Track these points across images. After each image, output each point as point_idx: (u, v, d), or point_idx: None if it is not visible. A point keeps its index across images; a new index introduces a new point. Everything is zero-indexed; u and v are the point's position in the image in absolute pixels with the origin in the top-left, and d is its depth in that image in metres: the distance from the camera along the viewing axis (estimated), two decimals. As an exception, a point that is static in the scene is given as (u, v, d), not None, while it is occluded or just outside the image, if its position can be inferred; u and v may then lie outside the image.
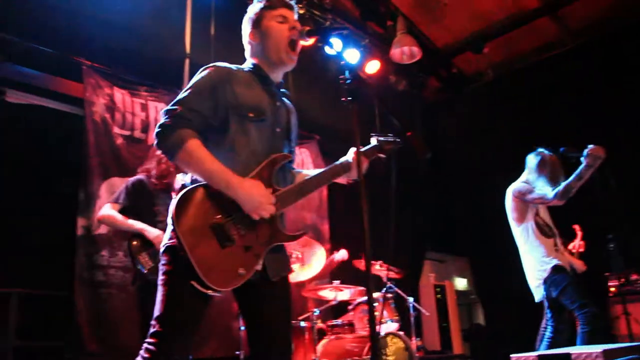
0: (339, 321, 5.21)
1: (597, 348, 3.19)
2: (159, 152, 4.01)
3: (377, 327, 4.79)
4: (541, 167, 4.66)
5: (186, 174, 2.27)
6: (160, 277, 2.17)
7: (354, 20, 7.22)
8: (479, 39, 7.63)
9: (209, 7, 6.16)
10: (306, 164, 7.05)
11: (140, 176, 4.22)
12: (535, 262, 4.56)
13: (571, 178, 4.33)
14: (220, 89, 2.26)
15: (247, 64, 2.48)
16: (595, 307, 4.24)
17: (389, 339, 4.76)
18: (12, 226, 4.69)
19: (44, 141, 4.98)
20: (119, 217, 4.03)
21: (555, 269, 4.42)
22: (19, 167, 4.80)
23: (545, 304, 4.56)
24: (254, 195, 2.14)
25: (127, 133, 5.39)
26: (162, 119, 2.18)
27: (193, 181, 2.22)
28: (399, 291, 5.40)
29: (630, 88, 6.94)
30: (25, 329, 4.61)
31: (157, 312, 2.12)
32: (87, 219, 4.98)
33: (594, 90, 7.20)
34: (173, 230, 2.08)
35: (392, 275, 5.39)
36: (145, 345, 2.10)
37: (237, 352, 4.72)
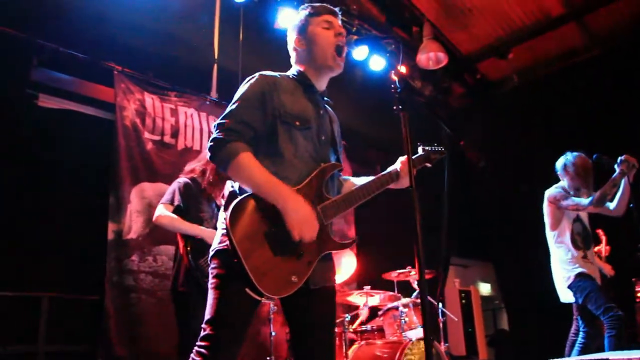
0: (368, 326, 5.20)
1: (636, 354, 3.17)
2: (203, 162, 4.08)
3: (406, 332, 4.80)
4: (568, 169, 4.73)
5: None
6: (212, 280, 2.19)
7: (380, 26, 7.21)
8: (504, 44, 7.60)
9: (238, 12, 6.18)
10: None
11: (186, 178, 4.12)
12: (561, 268, 4.65)
13: (606, 185, 4.38)
14: (268, 99, 2.28)
15: (292, 71, 2.50)
16: (620, 311, 4.26)
17: (420, 344, 4.73)
18: (44, 230, 4.73)
19: (75, 146, 5.01)
20: (178, 218, 3.91)
21: (579, 275, 4.48)
22: (51, 171, 4.84)
23: (575, 310, 4.66)
24: (299, 214, 2.13)
25: (157, 138, 5.41)
26: (214, 133, 2.21)
27: (242, 188, 2.23)
28: (428, 297, 5.36)
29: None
30: (56, 333, 4.63)
31: (208, 315, 2.14)
32: (117, 224, 5.00)
33: (618, 97, 7.15)
34: (226, 235, 2.09)
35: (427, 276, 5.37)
36: (196, 349, 2.12)
37: (268, 358, 4.71)
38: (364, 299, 5.12)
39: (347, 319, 4.73)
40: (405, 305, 4.95)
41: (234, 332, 2.14)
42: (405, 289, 5.53)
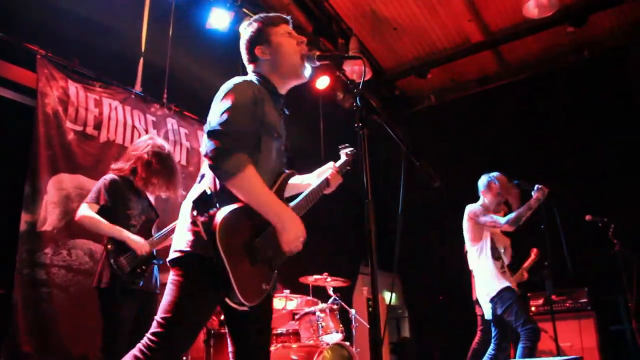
0: (283, 329, 5.27)
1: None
2: (133, 160, 3.98)
3: (322, 337, 4.91)
4: (493, 185, 5.05)
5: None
6: (175, 278, 2.18)
7: (306, 35, 7.34)
8: (424, 64, 7.95)
9: (169, 7, 6.10)
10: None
11: (113, 175, 4.01)
12: (485, 280, 4.86)
13: (522, 208, 4.72)
14: (259, 106, 2.27)
15: (254, 77, 2.45)
16: (536, 325, 4.56)
17: (333, 349, 4.86)
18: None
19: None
20: (103, 220, 3.79)
21: (504, 289, 4.71)
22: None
23: (493, 320, 4.85)
24: (296, 233, 2.22)
25: (79, 128, 5.21)
26: (216, 140, 2.12)
27: (218, 190, 2.21)
28: (343, 303, 5.53)
29: (557, 125, 7.48)
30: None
31: (166, 312, 2.13)
32: (31, 215, 4.75)
33: (526, 123, 7.68)
34: (212, 243, 2.06)
35: (339, 284, 5.51)
36: (146, 341, 2.12)
37: (184, 358, 4.67)
38: (283, 303, 5.18)
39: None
40: (322, 311, 5.06)
41: (189, 331, 2.18)
42: (320, 294, 5.65)
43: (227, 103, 2.19)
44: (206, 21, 6.24)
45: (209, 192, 2.19)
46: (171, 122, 6.11)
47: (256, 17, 2.55)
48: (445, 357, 6.30)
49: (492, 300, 4.76)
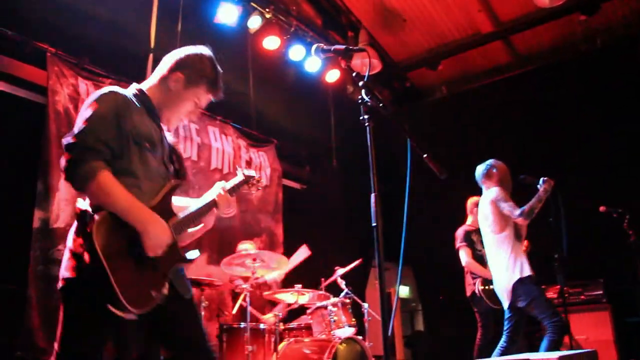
0: (294, 324, 5.27)
1: (554, 354, 3.41)
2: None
3: (334, 331, 4.91)
4: (492, 172, 4.95)
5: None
6: (62, 308, 2.26)
7: (316, 28, 7.32)
8: (435, 56, 7.90)
9: (177, 2, 6.10)
10: (264, 168, 7.08)
11: None
12: (508, 269, 4.69)
13: (533, 200, 4.65)
14: (122, 117, 2.27)
15: (133, 89, 2.47)
16: (562, 318, 4.47)
17: (347, 344, 4.85)
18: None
19: (2, 128, 4.77)
20: None
21: (529, 279, 4.59)
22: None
23: (508, 313, 4.73)
24: (159, 238, 2.23)
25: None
26: (70, 151, 2.14)
27: (95, 207, 2.19)
28: (355, 297, 5.53)
29: (571, 114, 7.40)
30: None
31: (59, 333, 2.23)
32: (44, 212, 4.80)
33: (537, 114, 7.60)
34: (90, 246, 2.06)
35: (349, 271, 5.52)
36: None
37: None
38: (295, 297, 5.18)
39: (278, 316, 4.78)
40: (334, 305, 5.05)
41: (84, 350, 2.22)
42: (332, 288, 5.65)
43: (88, 113, 2.21)
44: (214, 16, 6.23)
45: (86, 209, 2.18)
46: (181, 118, 6.12)
47: (206, 62, 2.56)
48: (459, 350, 6.25)
49: (514, 291, 4.61)
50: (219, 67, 2.58)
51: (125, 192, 2.17)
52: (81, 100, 5.20)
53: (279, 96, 7.27)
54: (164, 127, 2.54)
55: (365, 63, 7.36)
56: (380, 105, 2.39)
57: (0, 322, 4.56)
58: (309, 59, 6.99)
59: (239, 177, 2.83)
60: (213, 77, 2.51)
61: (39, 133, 4.90)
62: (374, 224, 2.23)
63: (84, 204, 2.22)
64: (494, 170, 4.96)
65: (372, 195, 2.26)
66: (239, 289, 5.07)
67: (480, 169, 5.07)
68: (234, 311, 4.91)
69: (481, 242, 5.25)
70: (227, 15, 6.27)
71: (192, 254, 2.40)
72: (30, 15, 4.96)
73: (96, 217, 2.10)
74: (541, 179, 4.76)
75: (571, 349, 5.07)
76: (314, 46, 2.59)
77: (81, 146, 2.12)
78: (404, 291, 9.24)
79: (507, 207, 4.71)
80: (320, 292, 5.34)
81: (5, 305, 4.61)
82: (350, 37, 7.51)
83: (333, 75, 7.48)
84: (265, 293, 5.32)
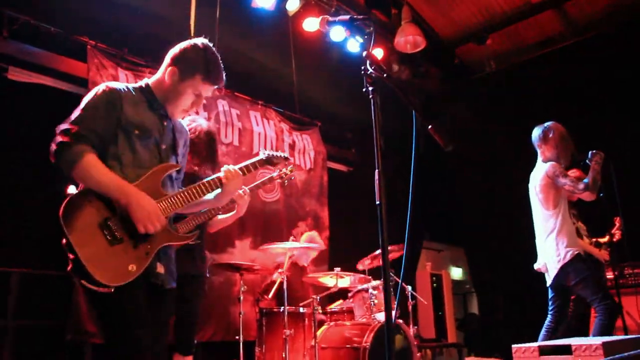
0: (337, 308, 5.25)
1: (597, 340, 3.24)
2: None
3: (375, 315, 4.85)
4: (549, 135, 4.62)
5: (77, 186, 2.34)
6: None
7: (358, 7, 7.19)
8: (483, 30, 7.62)
9: (216, -11, 6.11)
10: (308, 151, 7.06)
11: None
12: (558, 245, 4.45)
13: (591, 173, 4.40)
14: (112, 109, 2.37)
15: (141, 83, 2.59)
16: (614, 301, 4.23)
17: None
18: (13, 206, 4.68)
19: (46, 120, 4.92)
20: None
21: (578, 257, 4.36)
22: (20, 145, 4.77)
23: (551, 292, 4.52)
24: (145, 208, 2.27)
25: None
26: (59, 138, 2.26)
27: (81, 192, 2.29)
28: (398, 279, 5.42)
29: (629, 85, 6.98)
30: (26, 309, 4.61)
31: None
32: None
33: (594, 86, 7.23)
34: (62, 232, 2.15)
35: (393, 255, 5.37)
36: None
37: (237, 337, 4.72)
38: (334, 281, 5.15)
39: (316, 300, 4.76)
40: (375, 288, 4.99)
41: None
42: (374, 271, 5.58)
43: (82, 104, 2.39)
44: (252, 1, 6.20)
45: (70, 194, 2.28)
46: (222, 104, 6.17)
47: (199, 52, 2.56)
48: (512, 333, 6.08)
49: (563, 269, 4.35)
50: (213, 55, 2.58)
51: (108, 171, 2.26)
52: (121, 90, 5.31)
53: (322, 78, 7.20)
54: (176, 121, 2.66)
55: (411, 41, 7.22)
56: (385, 75, 2.30)
57: (51, 307, 4.77)
58: (350, 40, 6.87)
59: (260, 157, 2.85)
60: (206, 67, 2.52)
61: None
62: (377, 202, 2.14)
63: (74, 190, 2.33)
64: (551, 134, 4.60)
65: (376, 172, 2.18)
66: (279, 273, 5.09)
67: (536, 132, 4.72)
68: (270, 295, 4.92)
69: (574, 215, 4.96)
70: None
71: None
72: (70, 10, 5.09)
73: (68, 197, 2.20)
74: (589, 153, 4.49)
75: (626, 334, 4.83)
76: (320, 18, 2.55)
77: (72, 132, 2.25)
78: (456, 273, 9.10)
79: (568, 182, 4.40)
80: (361, 275, 5.29)
81: (55, 291, 4.80)
82: (394, 14, 7.33)
83: (377, 54, 7.34)
84: (310, 275, 5.33)
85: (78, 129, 2.26)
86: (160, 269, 2.35)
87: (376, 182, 2.18)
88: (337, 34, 6.72)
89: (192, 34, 5.96)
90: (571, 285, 4.37)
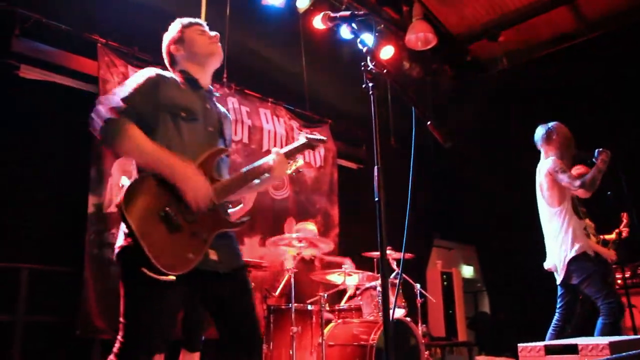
0: (345, 305, 5.24)
1: (604, 340, 3.21)
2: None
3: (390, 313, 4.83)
4: (552, 136, 4.59)
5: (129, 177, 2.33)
6: (122, 277, 2.28)
7: (369, 4, 7.17)
8: (495, 26, 7.57)
9: (226, -12, 6.13)
10: (318, 148, 7.05)
11: None
12: (563, 242, 4.42)
13: (592, 171, 4.35)
14: (156, 91, 2.39)
15: (178, 70, 2.64)
16: (620, 300, 4.18)
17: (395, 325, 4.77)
18: (23, 202, 4.73)
19: (57, 117, 4.99)
20: None
21: (583, 255, 4.33)
22: (31, 143, 4.82)
23: (560, 290, 4.49)
24: (197, 183, 2.26)
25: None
26: (103, 113, 2.24)
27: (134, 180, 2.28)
28: (407, 277, 5.42)
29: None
30: (35, 304, 4.65)
31: (122, 310, 2.24)
32: (98, 197, 5.01)
33: (607, 83, 7.15)
34: (124, 221, 2.13)
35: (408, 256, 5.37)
36: (118, 338, 2.22)
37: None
38: (342, 278, 5.14)
39: (324, 297, 4.76)
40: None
41: (145, 325, 2.22)
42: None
43: (126, 83, 2.40)
44: (262, -3, 6.21)
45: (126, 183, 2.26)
46: (232, 101, 6.19)
47: (174, 25, 2.74)
48: (523, 332, 6.02)
49: (568, 267, 4.33)
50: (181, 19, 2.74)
51: (154, 144, 2.26)
52: (131, 88, 5.34)
53: (333, 75, 7.19)
54: (218, 105, 2.70)
55: (422, 38, 7.20)
56: (385, 72, 2.29)
57: (59, 303, 4.81)
58: (361, 37, 6.84)
59: (300, 141, 2.81)
60: (180, 23, 2.70)
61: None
62: (376, 199, 2.13)
63: (127, 181, 2.31)
64: (554, 135, 4.58)
65: (375, 169, 2.17)
66: (286, 270, 5.10)
67: (540, 131, 4.71)
68: (277, 292, 4.93)
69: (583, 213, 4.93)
70: (273, -4, 6.23)
71: (237, 217, 2.43)
72: (81, 9, 5.13)
73: (128, 184, 2.19)
74: (596, 151, 4.44)
75: (635, 334, 4.78)
76: (321, 15, 2.55)
77: (115, 109, 2.24)
78: (467, 271, 9.05)
79: (565, 178, 4.38)
80: (369, 273, 5.28)
81: (64, 287, 4.85)
82: (405, 11, 7.31)
83: (387, 52, 7.31)
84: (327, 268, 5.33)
85: (125, 105, 2.26)
86: (213, 255, 2.32)
87: (375, 178, 2.17)
88: (348, 31, 6.70)
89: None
90: (577, 284, 4.33)
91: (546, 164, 4.55)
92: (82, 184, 4.98)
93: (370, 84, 2.28)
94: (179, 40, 2.64)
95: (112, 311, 4.80)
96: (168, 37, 2.71)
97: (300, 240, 4.88)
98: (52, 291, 4.79)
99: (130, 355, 2.18)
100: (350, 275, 5.14)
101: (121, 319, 2.21)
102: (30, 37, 4.94)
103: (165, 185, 2.23)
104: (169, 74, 2.54)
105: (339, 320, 4.97)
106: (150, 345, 2.21)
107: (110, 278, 4.92)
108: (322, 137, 2.89)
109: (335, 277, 5.26)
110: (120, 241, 2.27)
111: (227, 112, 2.76)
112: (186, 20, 2.72)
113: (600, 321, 4.15)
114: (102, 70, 5.20)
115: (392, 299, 4.95)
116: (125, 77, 5.34)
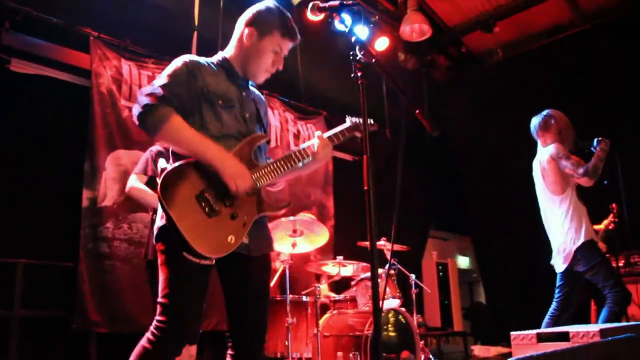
0: (341, 296, 5.26)
1: (595, 327, 3.23)
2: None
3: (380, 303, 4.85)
4: (550, 123, 4.56)
5: (167, 159, 2.33)
6: (159, 257, 2.27)
7: (365, -6, 7.15)
8: (490, 18, 7.56)
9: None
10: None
11: (159, 147, 4.13)
12: (569, 230, 4.38)
13: (594, 159, 4.31)
14: (194, 78, 2.38)
15: (217, 57, 2.59)
16: (625, 288, 4.18)
17: (390, 315, 4.79)
18: (18, 197, 4.72)
19: (49, 112, 4.98)
20: (149, 191, 3.95)
21: (590, 243, 4.31)
22: (24, 137, 4.81)
23: (559, 280, 4.46)
24: (236, 165, 2.27)
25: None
26: (144, 100, 2.25)
27: (173, 160, 2.31)
28: (402, 268, 5.44)
29: (637, 74, 6.90)
30: (31, 299, 4.65)
31: (161, 292, 2.21)
32: (92, 191, 4.99)
33: (603, 74, 7.15)
34: (161, 205, 2.15)
35: (397, 249, 5.39)
36: (155, 323, 2.19)
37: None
38: (337, 269, 5.16)
39: (318, 288, 4.77)
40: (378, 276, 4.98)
41: (187, 305, 2.23)
42: (380, 259, 5.58)
43: (163, 74, 2.38)
44: (256, -9, 6.18)
45: (166, 167, 2.27)
46: (226, 95, 6.17)
47: (273, 11, 2.58)
48: (519, 322, 6.05)
49: (576, 254, 4.30)
50: (286, 13, 2.60)
51: (196, 132, 2.27)
52: (124, 81, 5.34)
53: (327, 67, 7.17)
54: (253, 91, 2.67)
55: (417, 29, 7.18)
56: (374, 61, 2.30)
57: (55, 297, 4.81)
58: (356, 28, 6.83)
59: (346, 124, 2.76)
60: (283, 23, 2.55)
61: (84, 115, 5.07)
62: (365, 188, 2.14)
63: (164, 164, 2.32)
64: (552, 121, 4.54)
65: (364, 158, 2.18)
66: (280, 262, 5.10)
67: (535, 120, 4.66)
68: (272, 283, 4.93)
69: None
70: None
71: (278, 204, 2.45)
72: (72, 1, 5.11)
73: (166, 169, 2.21)
74: (595, 140, 4.41)
75: (628, 321, 4.79)
76: (310, 4, 2.52)
77: (156, 95, 2.25)
78: (463, 262, 9.07)
79: (569, 164, 4.33)
80: (364, 263, 5.29)
81: (60, 282, 4.86)
82: (400, 2, 7.29)
83: (382, 43, 7.29)
84: (313, 264, 5.34)
85: (163, 92, 2.26)
86: (245, 239, 2.31)
87: (364, 167, 2.17)
88: (336, 21, 6.68)
89: (196, 24, 5.98)
90: (582, 271, 4.31)
91: (547, 150, 4.50)
92: (76, 178, 4.96)
93: (359, 74, 2.28)
94: (255, 35, 2.52)
95: (108, 305, 4.86)
96: (253, 18, 2.56)
97: (295, 231, 4.89)
98: (48, 285, 4.79)
99: (171, 335, 2.17)
100: (344, 266, 5.15)
101: (160, 299, 2.20)
102: (21, 31, 4.89)
103: (202, 169, 2.24)
104: (204, 60, 2.51)
105: (334, 311, 4.99)
106: (189, 327, 2.22)
107: (106, 272, 4.92)
108: (370, 121, 2.85)
109: (330, 268, 5.27)
110: (158, 222, 2.29)
111: (262, 96, 2.75)
112: (284, 24, 2.55)
113: (605, 309, 4.15)
114: (95, 64, 5.17)
115: (387, 290, 5.00)
116: (118, 70, 5.33)
